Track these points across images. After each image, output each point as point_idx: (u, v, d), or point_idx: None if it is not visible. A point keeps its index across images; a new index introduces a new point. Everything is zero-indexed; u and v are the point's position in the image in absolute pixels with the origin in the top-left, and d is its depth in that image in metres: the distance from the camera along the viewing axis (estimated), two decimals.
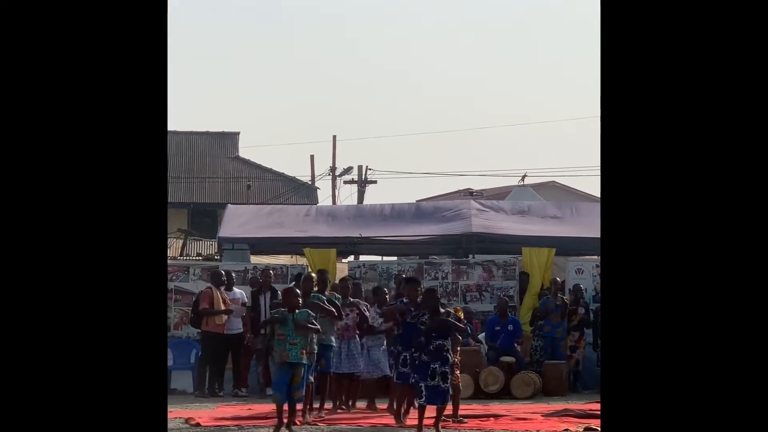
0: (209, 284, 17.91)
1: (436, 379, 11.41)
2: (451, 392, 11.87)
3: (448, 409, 12.37)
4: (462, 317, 13.37)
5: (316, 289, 13.73)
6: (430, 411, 11.65)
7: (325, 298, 13.60)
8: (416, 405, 11.83)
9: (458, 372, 12.90)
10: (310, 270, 19.35)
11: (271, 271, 18.60)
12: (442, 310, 11.87)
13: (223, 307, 17.53)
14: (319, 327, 12.22)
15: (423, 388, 11.47)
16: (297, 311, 11.88)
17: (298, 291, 12.35)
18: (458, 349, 12.97)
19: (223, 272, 18.31)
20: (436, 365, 11.45)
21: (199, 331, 17.80)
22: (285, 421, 11.67)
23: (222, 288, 17.79)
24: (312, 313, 12.08)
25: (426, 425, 11.57)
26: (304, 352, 11.76)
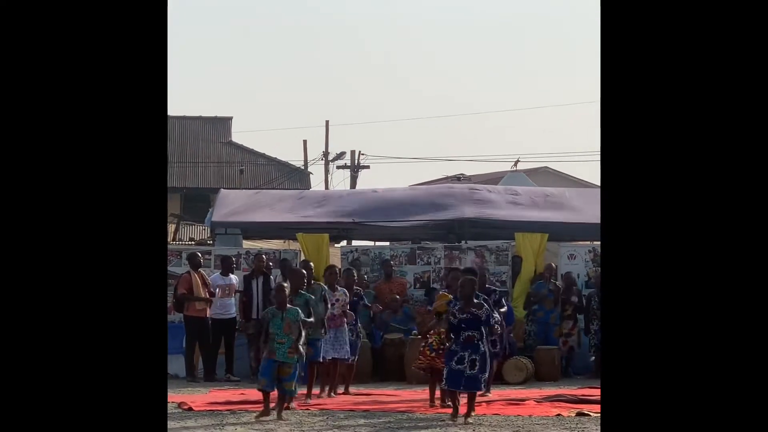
0: (189, 268, 17.89)
1: (464, 365, 11.41)
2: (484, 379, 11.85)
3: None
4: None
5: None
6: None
7: (309, 295, 13.54)
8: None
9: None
10: (303, 257, 19.38)
11: (263, 256, 18.58)
12: (475, 301, 11.77)
13: (202, 291, 17.47)
14: (312, 320, 12.27)
15: (445, 372, 11.48)
16: (287, 309, 11.91)
17: (287, 287, 12.36)
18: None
19: (199, 254, 18.29)
20: (465, 353, 11.44)
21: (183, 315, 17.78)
22: (272, 406, 11.70)
23: (200, 269, 17.75)
24: (301, 312, 12.08)
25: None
26: (293, 350, 11.77)
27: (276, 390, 11.75)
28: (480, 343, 11.51)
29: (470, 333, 11.46)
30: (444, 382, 11.62)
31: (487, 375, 11.98)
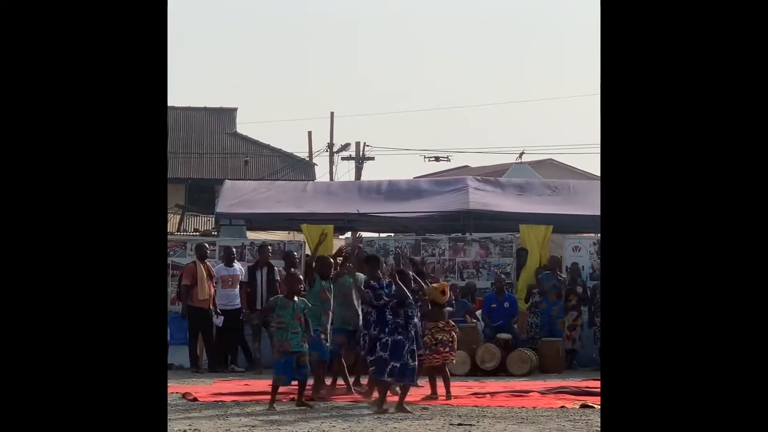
0: (194, 259, 17.91)
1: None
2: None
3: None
4: (441, 291, 13.25)
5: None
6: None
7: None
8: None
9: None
10: (307, 248, 19.40)
11: (268, 247, 18.62)
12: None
13: (206, 282, 17.47)
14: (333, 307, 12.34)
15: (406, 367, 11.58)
16: (297, 299, 11.86)
17: (301, 278, 12.31)
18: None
19: (207, 245, 18.31)
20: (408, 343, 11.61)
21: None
22: (291, 398, 11.77)
23: (207, 261, 17.76)
24: (309, 304, 12.04)
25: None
26: (305, 340, 11.79)
27: (294, 379, 11.80)
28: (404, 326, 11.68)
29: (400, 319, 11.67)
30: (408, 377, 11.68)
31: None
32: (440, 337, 12.96)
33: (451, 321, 13.48)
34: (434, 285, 13.44)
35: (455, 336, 13.24)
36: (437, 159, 44.50)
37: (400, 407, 11.39)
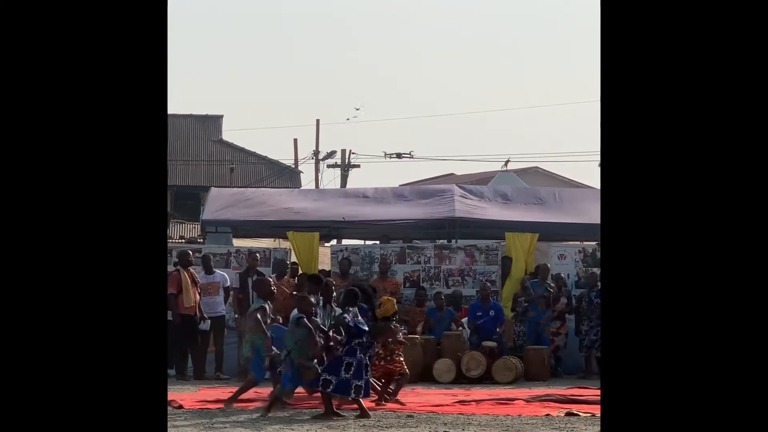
0: (178, 266, 17.88)
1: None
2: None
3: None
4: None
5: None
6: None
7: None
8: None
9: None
10: (293, 256, 19.40)
11: (257, 254, 18.68)
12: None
13: (191, 289, 17.45)
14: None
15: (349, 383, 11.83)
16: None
17: (312, 300, 12.44)
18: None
19: (190, 252, 18.29)
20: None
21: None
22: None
23: (190, 268, 17.74)
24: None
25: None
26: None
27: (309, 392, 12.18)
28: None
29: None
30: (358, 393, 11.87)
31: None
32: (392, 347, 13.21)
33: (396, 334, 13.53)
34: (383, 299, 13.69)
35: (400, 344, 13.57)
36: (399, 156, 44.41)
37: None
